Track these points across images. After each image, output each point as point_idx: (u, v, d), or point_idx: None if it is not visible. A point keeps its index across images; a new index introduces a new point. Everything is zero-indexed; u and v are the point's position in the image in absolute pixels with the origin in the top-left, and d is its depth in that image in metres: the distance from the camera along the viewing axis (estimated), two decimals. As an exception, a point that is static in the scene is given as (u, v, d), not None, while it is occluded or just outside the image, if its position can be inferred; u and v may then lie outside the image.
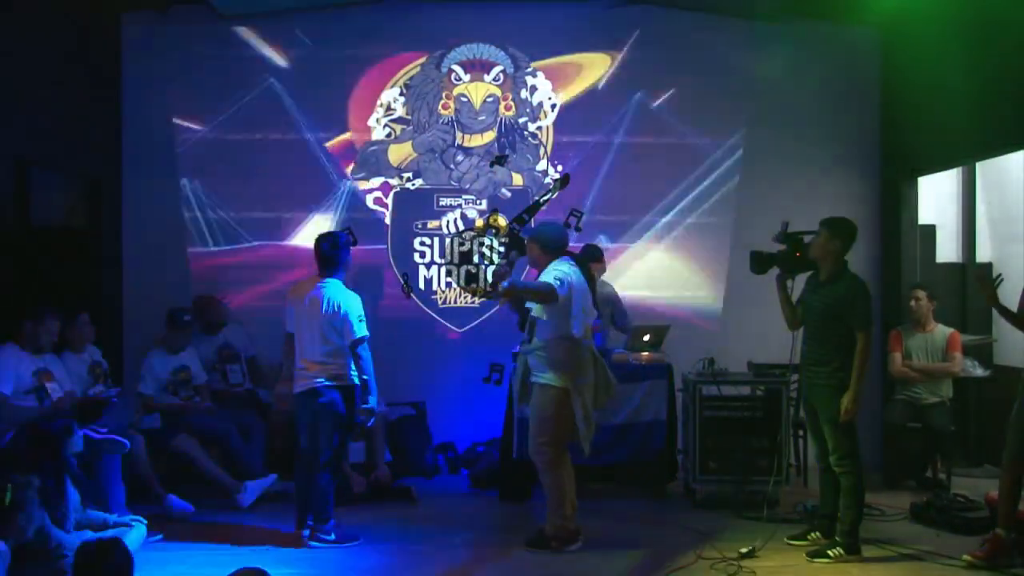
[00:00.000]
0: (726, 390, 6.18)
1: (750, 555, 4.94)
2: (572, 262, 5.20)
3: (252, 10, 7.36)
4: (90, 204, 7.30)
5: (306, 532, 5.28)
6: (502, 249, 7.52)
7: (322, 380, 5.21)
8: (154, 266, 7.42)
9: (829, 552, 4.95)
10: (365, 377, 5.28)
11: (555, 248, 5.23)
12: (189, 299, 6.91)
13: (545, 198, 6.82)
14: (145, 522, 4.98)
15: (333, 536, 5.24)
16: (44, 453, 4.48)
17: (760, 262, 5.30)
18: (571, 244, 6.85)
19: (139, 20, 7.47)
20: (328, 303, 5.19)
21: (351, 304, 5.21)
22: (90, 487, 5.01)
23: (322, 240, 5.42)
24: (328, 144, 7.57)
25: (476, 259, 7.56)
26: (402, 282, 7.40)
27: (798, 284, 5.29)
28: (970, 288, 7.48)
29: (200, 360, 6.57)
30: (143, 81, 7.48)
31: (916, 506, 5.78)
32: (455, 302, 7.58)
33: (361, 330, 5.21)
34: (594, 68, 7.64)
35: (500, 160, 6.88)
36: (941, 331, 6.61)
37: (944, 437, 6.44)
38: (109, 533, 4.61)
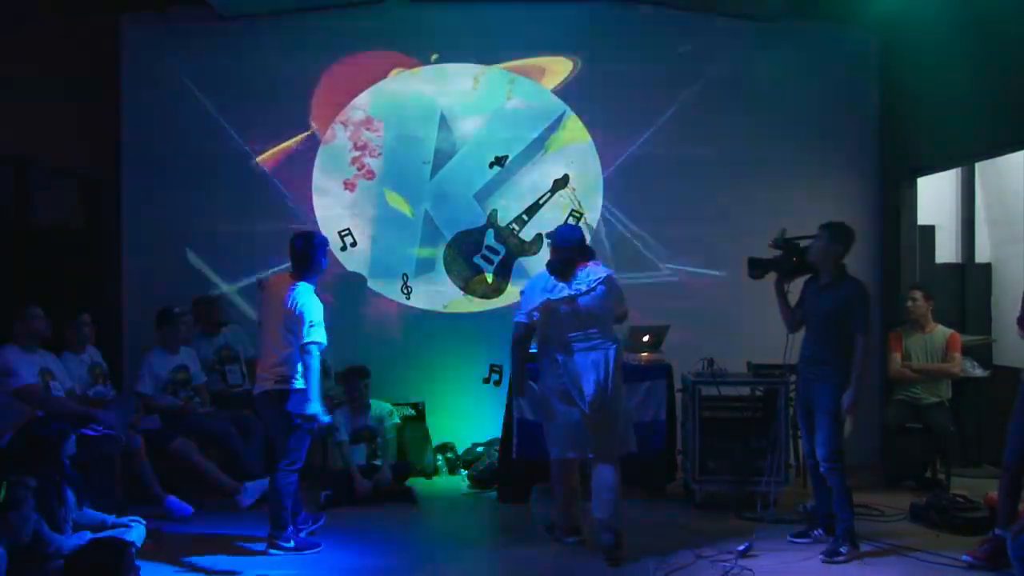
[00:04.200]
0: (725, 390, 6.18)
1: (747, 552, 4.97)
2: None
3: (252, 10, 7.36)
4: (90, 204, 7.31)
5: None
6: (500, 247, 7.55)
7: (272, 383, 5.08)
8: (154, 266, 7.41)
9: (841, 550, 4.99)
10: (305, 385, 5.04)
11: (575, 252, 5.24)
12: (189, 299, 6.91)
13: (544, 198, 6.85)
14: (144, 523, 4.97)
15: (292, 544, 5.11)
16: (40, 456, 4.48)
17: (757, 267, 5.37)
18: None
19: (139, 20, 7.47)
20: (291, 308, 5.03)
21: (309, 308, 5.03)
22: (88, 487, 5.01)
23: (296, 239, 5.26)
24: (325, 143, 7.58)
25: (476, 259, 7.57)
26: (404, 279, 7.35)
27: (795, 288, 5.36)
28: (969, 288, 7.49)
29: (199, 361, 6.57)
30: (143, 81, 7.48)
31: (916, 506, 5.79)
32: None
33: (310, 335, 4.98)
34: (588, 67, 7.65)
35: (499, 160, 6.89)
36: (941, 332, 6.62)
37: (943, 437, 6.44)
38: (107, 534, 4.62)
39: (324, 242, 5.30)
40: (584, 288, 5.07)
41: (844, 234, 5.15)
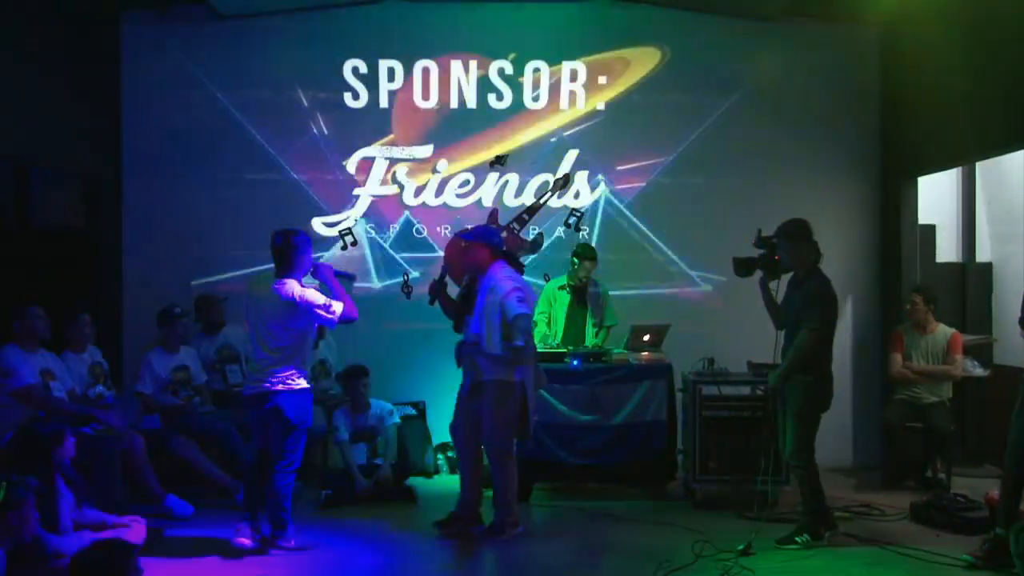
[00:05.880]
0: (726, 390, 6.18)
1: (747, 552, 4.98)
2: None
3: (252, 10, 7.35)
4: (90, 204, 7.30)
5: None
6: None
7: (270, 384, 5.04)
8: (154, 266, 7.40)
9: (797, 539, 5.15)
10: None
11: (499, 250, 5.49)
12: (189, 299, 6.91)
13: (545, 198, 6.83)
14: (144, 522, 4.98)
15: (293, 543, 5.12)
16: (40, 456, 4.48)
17: (743, 266, 5.45)
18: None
19: (139, 20, 7.46)
20: (289, 299, 4.98)
21: (309, 294, 5.00)
22: (88, 487, 5.02)
23: (276, 236, 5.17)
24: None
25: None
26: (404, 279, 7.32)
27: (782, 285, 5.41)
28: (969, 288, 7.49)
29: (200, 360, 6.57)
30: (143, 81, 7.47)
31: (916, 506, 5.79)
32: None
33: (336, 310, 5.02)
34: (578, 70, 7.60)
35: (500, 160, 6.89)
36: (942, 332, 6.61)
37: (944, 437, 6.44)
38: (108, 534, 4.62)
39: (305, 240, 5.18)
40: None
41: (796, 230, 5.22)
